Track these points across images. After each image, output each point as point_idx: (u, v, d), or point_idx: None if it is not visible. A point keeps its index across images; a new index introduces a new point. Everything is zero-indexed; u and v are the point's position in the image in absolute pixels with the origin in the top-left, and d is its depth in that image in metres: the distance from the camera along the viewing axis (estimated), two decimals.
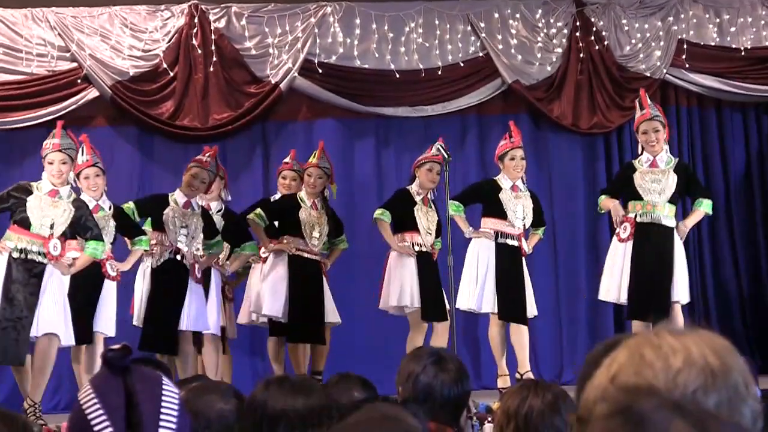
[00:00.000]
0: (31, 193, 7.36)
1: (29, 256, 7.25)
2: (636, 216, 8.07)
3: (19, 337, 7.16)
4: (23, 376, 7.24)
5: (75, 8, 9.23)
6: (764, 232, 9.99)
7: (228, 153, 9.44)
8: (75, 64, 9.20)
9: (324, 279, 8.22)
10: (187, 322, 7.66)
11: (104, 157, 8.99)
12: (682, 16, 10.04)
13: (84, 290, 7.50)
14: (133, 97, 9.29)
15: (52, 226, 7.30)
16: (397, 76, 9.61)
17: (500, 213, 8.24)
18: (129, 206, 7.86)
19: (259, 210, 8.14)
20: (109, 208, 7.77)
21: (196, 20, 9.34)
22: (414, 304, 8.09)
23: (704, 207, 8.25)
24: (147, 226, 7.89)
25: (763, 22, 10.04)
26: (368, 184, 9.50)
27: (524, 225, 8.27)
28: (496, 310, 8.07)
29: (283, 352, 8.26)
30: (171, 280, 7.71)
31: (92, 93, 9.25)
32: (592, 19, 9.90)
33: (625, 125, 9.95)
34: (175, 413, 2.00)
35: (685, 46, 9.98)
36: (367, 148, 9.63)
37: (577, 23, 9.87)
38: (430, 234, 8.19)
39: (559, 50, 9.88)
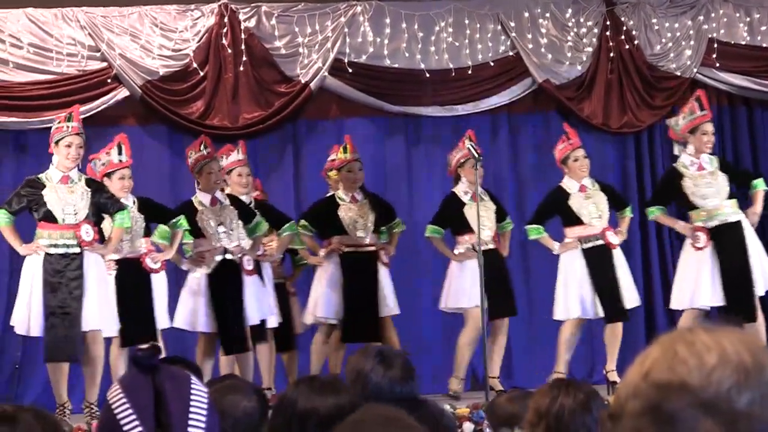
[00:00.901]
0: (43, 185, 7.39)
1: (65, 250, 7.30)
2: (703, 222, 8.16)
3: (68, 332, 7.21)
4: (59, 376, 7.28)
5: (105, 8, 9.35)
6: None
7: (259, 152, 9.55)
8: (105, 64, 9.32)
9: (381, 269, 8.32)
10: (251, 316, 7.78)
11: (134, 157, 9.07)
12: (713, 15, 10.18)
13: (132, 293, 7.65)
14: (163, 97, 9.40)
15: (76, 213, 7.35)
16: (427, 75, 9.75)
17: (575, 219, 8.37)
18: (181, 221, 7.93)
19: (303, 221, 8.32)
20: (134, 203, 7.83)
21: (226, 20, 9.47)
22: (472, 304, 8.23)
23: (762, 185, 8.29)
24: (187, 239, 8.00)
25: None
26: (399, 183, 9.60)
27: (603, 219, 8.36)
28: (600, 314, 8.22)
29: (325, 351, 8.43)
30: (227, 281, 7.78)
31: (122, 92, 9.38)
32: (623, 19, 10.06)
33: (656, 125, 10.08)
34: (204, 412, 2.00)
35: (715, 45, 10.13)
36: (398, 147, 9.74)
37: (607, 22, 10.02)
38: (487, 228, 8.31)
39: (589, 49, 10.03)
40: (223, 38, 9.45)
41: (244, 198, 8.25)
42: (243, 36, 9.47)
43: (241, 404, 3.19)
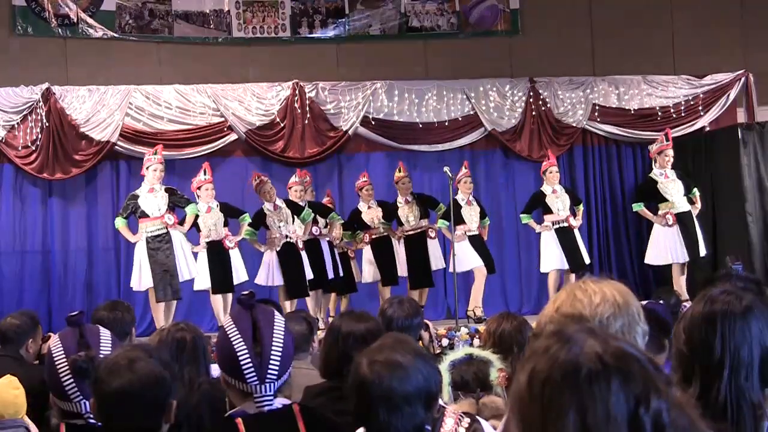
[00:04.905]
0: (138, 196, 9.56)
1: (157, 233, 9.46)
2: (668, 211, 10.47)
3: (171, 281, 9.34)
4: (160, 313, 9.26)
5: (223, 84, 11.98)
6: None
7: (318, 176, 12.16)
8: (222, 119, 11.85)
9: (430, 242, 10.87)
10: (307, 273, 10.14)
11: (239, 176, 11.90)
12: (595, 89, 12.66)
13: (217, 262, 10.00)
14: (259, 139, 11.94)
15: (160, 209, 9.46)
16: (420, 126, 12.31)
17: (550, 210, 10.76)
18: (245, 217, 10.19)
19: (382, 220, 10.83)
20: (217, 206, 10.13)
21: (297, 92, 12.03)
22: (476, 265, 10.71)
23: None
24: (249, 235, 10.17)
25: (645, 93, 12.71)
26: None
27: (566, 210, 10.62)
28: (564, 267, 10.71)
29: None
30: (290, 254, 10.27)
31: (233, 136, 11.92)
32: (540, 91, 12.54)
33: (561, 156, 12.53)
34: (282, 334, 2.48)
35: (597, 107, 12.58)
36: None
37: (531, 93, 12.50)
38: (475, 222, 10.86)
39: (520, 110, 12.49)
40: (296, 103, 11.93)
41: (300, 202, 10.56)
42: (307, 102, 11.97)
43: (295, 328, 3.66)
